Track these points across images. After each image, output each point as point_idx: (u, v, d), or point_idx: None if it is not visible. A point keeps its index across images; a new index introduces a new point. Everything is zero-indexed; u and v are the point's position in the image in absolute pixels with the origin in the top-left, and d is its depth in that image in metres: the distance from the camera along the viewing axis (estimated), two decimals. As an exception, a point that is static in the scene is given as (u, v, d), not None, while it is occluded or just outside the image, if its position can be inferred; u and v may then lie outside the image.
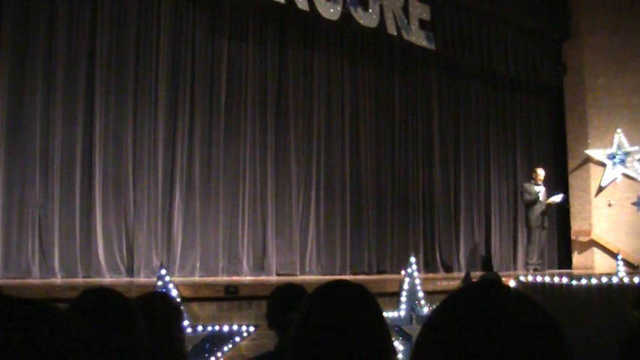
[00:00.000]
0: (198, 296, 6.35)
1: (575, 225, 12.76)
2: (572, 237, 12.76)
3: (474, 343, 0.98)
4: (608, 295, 7.53)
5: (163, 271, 6.11)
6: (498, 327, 0.99)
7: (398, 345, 6.96)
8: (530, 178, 11.22)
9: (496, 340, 0.98)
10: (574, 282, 7.97)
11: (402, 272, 7.78)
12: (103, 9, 8.25)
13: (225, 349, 6.01)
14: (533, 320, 1.01)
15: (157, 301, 2.86)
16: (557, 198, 11.11)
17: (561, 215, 12.79)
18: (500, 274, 10.83)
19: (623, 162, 12.40)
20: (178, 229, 8.64)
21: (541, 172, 11.00)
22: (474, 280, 7.12)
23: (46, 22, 7.85)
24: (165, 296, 3.40)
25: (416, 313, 7.25)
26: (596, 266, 12.08)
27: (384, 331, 1.77)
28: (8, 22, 7.58)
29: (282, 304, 3.18)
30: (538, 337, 1.00)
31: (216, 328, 6.01)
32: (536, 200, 10.78)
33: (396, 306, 7.28)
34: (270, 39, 9.73)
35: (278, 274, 9.26)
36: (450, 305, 1.07)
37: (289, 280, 4.77)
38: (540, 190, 10.88)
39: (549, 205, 11.00)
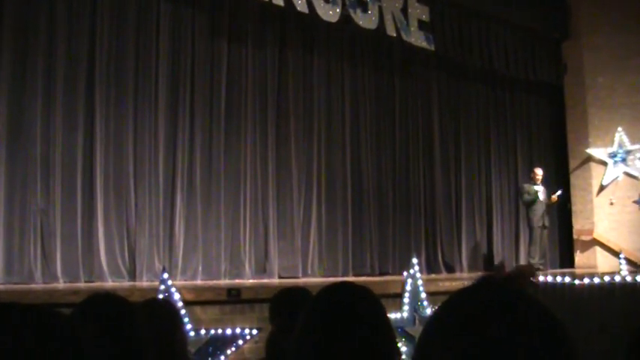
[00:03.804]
0: (201, 300, 6.35)
1: (577, 224, 12.75)
2: (575, 236, 12.75)
3: (477, 344, 0.98)
4: (611, 294, 7.52)
5: (166, 275, 6.09)
6: (501, 327, 0.99)
7: (401, 346, 6.95)
8: (530, 178, 11.25)
9: (499, 341, 0.98)
10: (576, 281, 7.96)
11: (404, 274, 7.77)
12: (102, 13, 8.25)
13: (229, 352, 6.00)
14: (537, 321, 1.01)
15: (158, 307, 2.87)
16: (558, 193, 11.19)
17: (563, 215, 12.78)
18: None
19: (624, 160, 12.40)
20: (180, 232, 8.63)
21: (539, 172, 11.04)
22: (508, 270, 7.01)
23: (46, 27, 7.85)
24: (166, 302, 3.41)
25: (419, 315, 7.24)
26: (598, 265, 12.07)
27: (388, 332, 1.77)
28: (8, 28, 7.58)
29: (286, 308, 3.16)
30: (542, 337, 1.00)
31: (219, 331, 6.00)
32: (535, 200, 10.80)
33: (398, 307, 7.26)
34: (269, 41, 9.73)
35: (280, 277, 9.25)
36: (452, 306, 1.07)
37: (292, 283, 4.77)
38: (539, 189, 10.90)
39: (552, 203, 11.03)
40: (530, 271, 6.44)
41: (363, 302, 1.76)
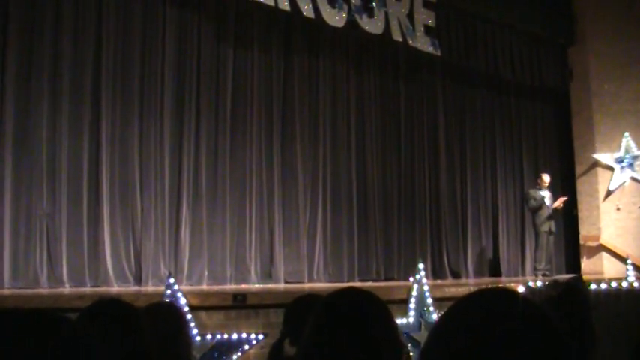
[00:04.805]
0: (206, 304, 6.35)
1: (584, 230, 12.71)
2: (581, 242, 12.71)
3: (481, 350, 0.98)
4: (617, 300, 7.50)
5: (172, 280, 6.10)
6: (505, 335, 0.99)
7: (406, 352, 6.92)
8: (536, 183, 11.20)
9: (502, 348, 0.98)
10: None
11: (411, 279, 7.77)
12: (108, 18, 8.28)
13: (234, 357, 6.00)
14: (540, 329, 1.01)
15: (163, 311, 2.87)
16: (562, 199, 11.12)
17: (569, 220, 12.74)
18: (508, 279, 10.82)
19: (631, 166, 12.37)
20: (186, 237, 8.64)
21: (546, 178, 10.98)
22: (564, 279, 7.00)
23: (52, 32, 7.88)
24: (171, 306, 3.41)
25: (424, 320, 7.23)
26: (604, 271, 12.03)
27: (395, 336, 1.77)
28: (14, 32, 7.62)
29: (298, 316, 3.14)
30: (544, 345, 1.00)
31: (225, 336, 6.00)
32: (541, 206, 10.75)
33: (404, 313, 7.26)
34: (275, 46, 9.75)
35: (286, 282, 9.25)
36: (457, 312, 1.07)
37: (297, 288, 4.75)
38: (546, 195, 10.85)
39: (556, 210, 10.98)
40: (579, 282, 6.72)
41: (369, 306, 1.75)
